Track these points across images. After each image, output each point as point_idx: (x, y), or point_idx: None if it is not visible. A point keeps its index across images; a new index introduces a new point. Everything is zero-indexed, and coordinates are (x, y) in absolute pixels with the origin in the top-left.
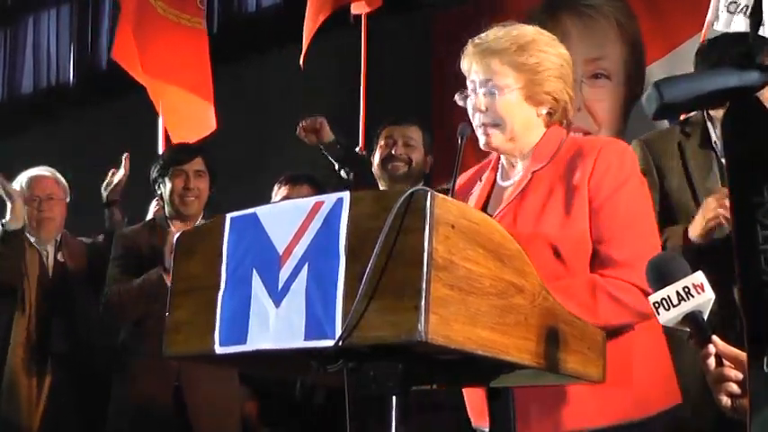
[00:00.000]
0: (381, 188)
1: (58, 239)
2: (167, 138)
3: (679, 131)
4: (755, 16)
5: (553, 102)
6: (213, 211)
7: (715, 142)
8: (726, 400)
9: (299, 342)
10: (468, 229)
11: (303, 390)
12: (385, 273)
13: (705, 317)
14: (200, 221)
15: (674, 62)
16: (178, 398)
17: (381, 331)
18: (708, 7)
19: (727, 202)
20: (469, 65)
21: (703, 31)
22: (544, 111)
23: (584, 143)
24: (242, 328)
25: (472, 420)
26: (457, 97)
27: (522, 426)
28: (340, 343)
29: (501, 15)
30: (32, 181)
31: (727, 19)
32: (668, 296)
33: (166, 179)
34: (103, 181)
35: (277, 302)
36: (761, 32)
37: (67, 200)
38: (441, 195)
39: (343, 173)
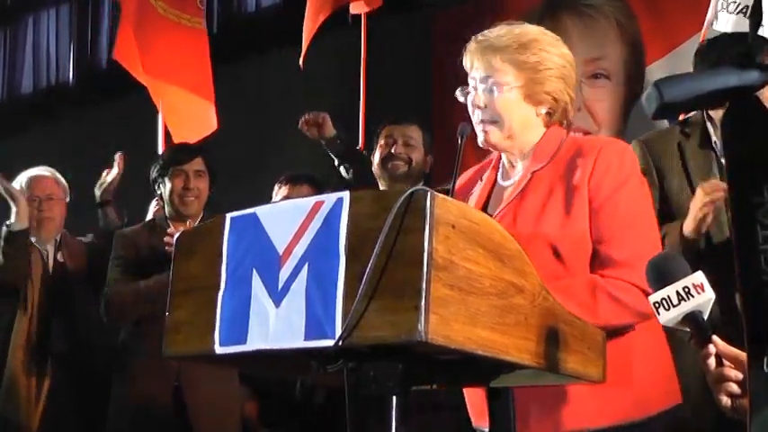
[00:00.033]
0: (381, 187)
1: (58, 239)
2: (167, 138)
3: (679, 132)
4: (755, 16)
5: (553, 102)
6: (213, 211)
7: (715, 142)
8: (726, 400)
9: (298, 342)
10: (469, 229)
11: (303, 390)
12: (385, 273)
13: (705, 317)
14: (199, 221)
15: (673, 62)
16: (178, 398)
17: (381, 331)
18: (708, 7)
19: (715, 192)
20: (471, 61)
21: (703, 30)
22: (543, 110)
23: (584, 143)
24: (242, 328)
25: (472, 420)
26: (458, 93)
27: (522, 426)
28: (340, 343)
29: (501, 15)
30: (32, 181)
31: (725, 18)
32: (668, 296)
33: (166, 179)
34: (109, 179)
35: (277, 302)
36: (760, 32)
37: (67, 200)
38: (441, 195)
39: (342, 169)
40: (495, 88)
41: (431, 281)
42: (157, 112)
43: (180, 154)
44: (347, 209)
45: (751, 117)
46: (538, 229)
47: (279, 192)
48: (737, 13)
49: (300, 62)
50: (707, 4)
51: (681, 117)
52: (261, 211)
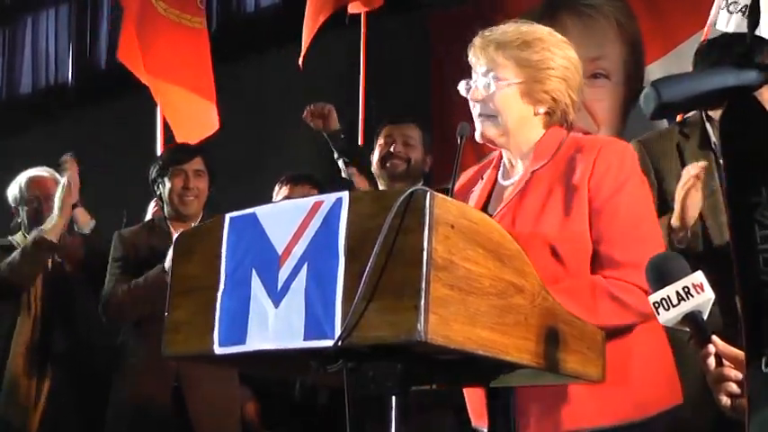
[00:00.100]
0: (380, 187)
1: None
2: (166, 138)
3: (678, 132)
4: (753, 16)
5: (552, 102)
6: (213, 211)
7: (714, 143)
8: (726, 400)
9: (298, 342)
10: (468, 229)
11: (303, 390)
12: (384, 272)
13: (705, 317)
14: (199, 221)
15: (673, 62)
16: (177, 398)
17: (381, 331)
18: (708, 7)
19: (698, 169)
20: (474, 56)
21: (705, 30)
22: (542, 110)
23: (584, 142)
24: (241, 329)
25: (472, 420)
26: (460, 87)
27: (522, 426)
28: (339, 343)
29: (500, 15)
30: (31, 181)
31: (726, 18)
32: (668, 296)
33: (166, 179)
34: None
35: (276, 302)
36: (758, 32)
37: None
38: (440, 195)
39: (341, 163)
40: (494, 83)
41: (430, 281)
42: (156, 113)
43: (179, 154)
44: (346, 209)
45: (749, 117)
46: (537, 229)
47: (279, 192)
48: (737, 12)
49: (300, 62)
50: (706, 3)
51: (679, 117)
52: (260, 211)
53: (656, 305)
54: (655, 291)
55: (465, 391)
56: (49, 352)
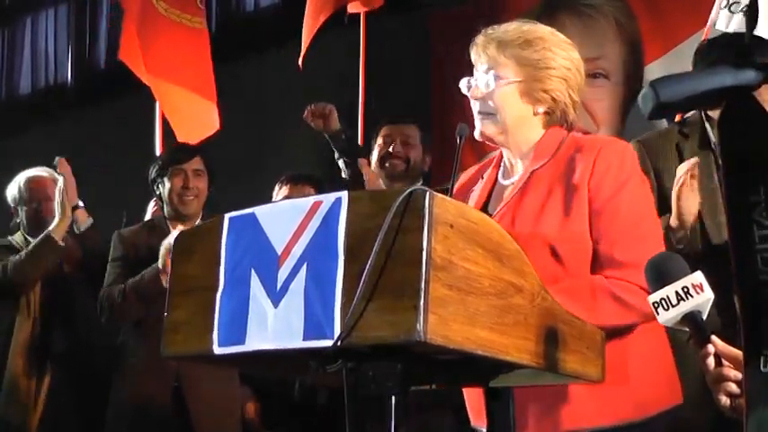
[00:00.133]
0: (378, 188)
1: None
2: (165, 139)
3: (677, 132)
4: (751, 15)
5: (551, 102)
6: (212, 211)
7: (714, 143)
8: (725, 400)
9: (297, 342)
10: (467, 229)
11: (302, 390)
12: (384, 272)
13: (704, 317)
14: (199, 221)
15: (673, 61)
16: (177, 398)
17: (380, 331)
18: (708, 7)
19: (684, 170)
20: (476, 53)
21: (705, 30)
22: (541, 109)
23: (583, 142)
24: (240, 329)
25: (471, 420)
26: (462, 84)
27: (521, 426)
28: (339, 343)
29: (500, 15)
30: (30, 182)
31: (727, 18)
32: (667, 296)
33: (165, 179)
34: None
35: (276, 302)
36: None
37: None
38: (439, 195)
39: (342, 163)
40: (494, 81)
41: (429, 281)
42: (156, 113)
43: (179, 153)
44: (346, 208)
45: (748, 117)
46: (537, 229)
47: (279, 192)
48: (739, 12)
49: (300, 62)
50: (706, 3)
51: (678, 117)
52: (259, 211)
53: (656, 305)
54: (654, 291)
55: (464, 390)
56: (49, 352)
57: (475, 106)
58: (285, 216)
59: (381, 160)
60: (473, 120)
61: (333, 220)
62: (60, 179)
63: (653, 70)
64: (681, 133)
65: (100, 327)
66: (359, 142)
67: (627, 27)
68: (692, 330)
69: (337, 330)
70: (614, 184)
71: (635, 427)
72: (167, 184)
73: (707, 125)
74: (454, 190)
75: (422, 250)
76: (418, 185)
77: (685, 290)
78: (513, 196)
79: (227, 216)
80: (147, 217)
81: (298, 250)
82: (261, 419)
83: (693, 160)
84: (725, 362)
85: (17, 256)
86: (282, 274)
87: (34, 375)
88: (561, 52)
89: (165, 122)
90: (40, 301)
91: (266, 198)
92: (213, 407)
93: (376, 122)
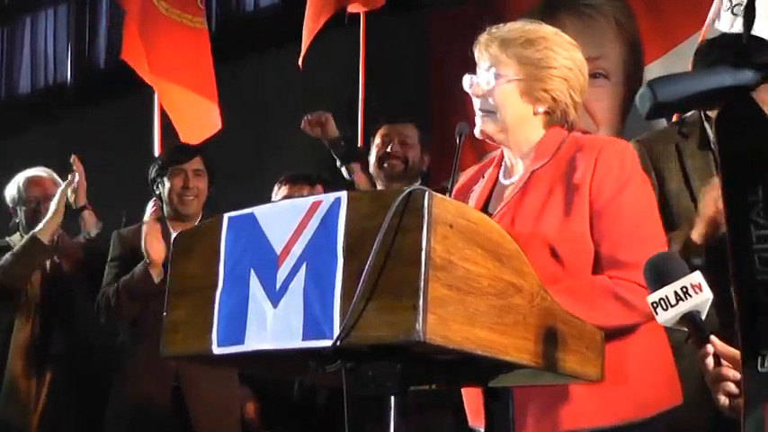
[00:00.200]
0: (378, 187)
1: (55, 240)
2: (163, 139)
3: (677, 132)
4: (749, 15)
5: (552, 101)
6: (212, 211)
7: (714, 143)
8: (724, 400)
9: (296, 342)
10: (467, 229)
11: (302, 390)
12: (383, 272)
13: (703, 317)
14: (198, 221)
15: (672, 61)
16: (177, 398)
17: (379, 331)
18: (708, 7)
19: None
20: (479, 51)
21: (703, 30)
22: (541, 109)
23: (584, 142)
24: (240, 329)
25: (469, 420)
26: (464, 81)
27: (520, 426)
28: (338, 343)
29: (499, 15)
30: (30, 181)
31: (730, 20)
32: (666, 296)
33: (165, 179)
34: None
35: (275, 302)
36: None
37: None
38: (439, 195)
39: (344, 170)
40: (494, 79)
41: (429, 280)
42: (155, 113)
43: (179, 153)
44: (345, 208)
45: (746, 117)
46: (537, 229)
47: (278, 192)
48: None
49: (300, 63)
50: (706, 3)
51: (675, 117)
52: (258, 210)
53: (655, 305)
54: (653, 291)
55: (463, 390)
56: (48, 352)
57: (476, 104)
58: (284, 216)
59: (380, 160)
60: (474, 119)
61: (332, 220)
62: (71, 177)
63: (653, 70)
64: (680, 133)
65: (99, 327)
66: (359, 144)
67: (627, 27)
68: (691, 330)
69: (336, 330)
70: (616, 184)
71: (635, 427)
72: (167, 184)
73: (706, 125)
74: (455, 189)
75: (421, 250)
76: (417, 185)
77: (684, 290)
78: (513, 196)
79: (226, 216)
80: (146, 217)
81: (297, 250)
82: (260, 419)
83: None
84: (724, 362)
85: (3, 258)
86: (282, 273)
87: (34, 376)
88: (563, 52)
89: (165, 122)
90: (38, 301)
91: (266, 198)
92: (212, 407)
93: (376, 122)
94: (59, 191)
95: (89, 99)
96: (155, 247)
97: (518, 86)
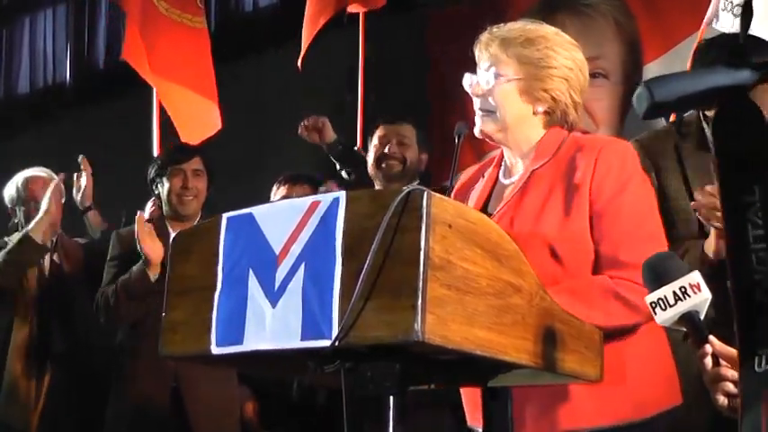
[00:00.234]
0: (377, 188)
1: (54, 240)
2: (162, 139)
3: (675, 132)
4: (746, 15)
5: (551, 101)
6: (211, 212)
7: (712, 143)
8: (723, 400)
9: (295, 342)
10: (466, 229)
11: (301, 390)
12: (382, 272)
13: (702, 317)
14: (198, 222)
15: (671, 61)
16: (176, 399)
17: (378, 331)
18: (706, 6)
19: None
20: (479, 51)
21: (701, 30)
22: (541, 108)
23: (584, 142)
24: (238, 329)
25: (467, 420)
26: (464, 81)
27: (519, 426)
28: (336, 343)
29: (499, 15)
30: (28, 182)
31: (731, 21)
32: (665, 296)
33: (164, 179)
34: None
35: (273, 302)
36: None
37: (63, 200)
38: (437, 195)
39: (344, 173)
40: (494, 78)
41: (427, 280)
42: (154, 113)
43: (178, 154)
44: (344, 208)
45: (742, 116)
46: (536, 229)
47: (277, 192)
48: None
49: (299, 64)
50: (705, 2)
51: (672, 117)
52: (257, 210)
53: (653, 305)
54: (652, 291)
55: (462, 390)
56: (48, 353)
57: (476, 103)
58: (283, 216)
59: (377, 161)
60: (473, 119)
61: (331, 220)
62: (77, 176)
63: (652, 70)
64: (679, 133)
65: (99, 327)
66: (357, 146)
67: (626, 26)
68: (690, 330)
69: (335, 330)
70: (616, 184)
71: (634, 427)
72: (166, 185)
73: (705, 125)
74: (455, 189)
75: (420, 250)
76: (415, 185)
77: (683, 290)
78: (513, 196)
79: (224, 216)
80: (145, 217)
81: (296, 250)
82: (259, 419)
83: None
84: (722, 362)
85: None
86: (280, 273)
87: (34, 376)
88: (564, 52)
89: (163, 122)
90: (37, 301)
91: (266, 198)
92: (212, 407)
93: (375, 122)
94: (49, 189)
95: (88, 99)
96: (150, 246)
97: (518, 86)
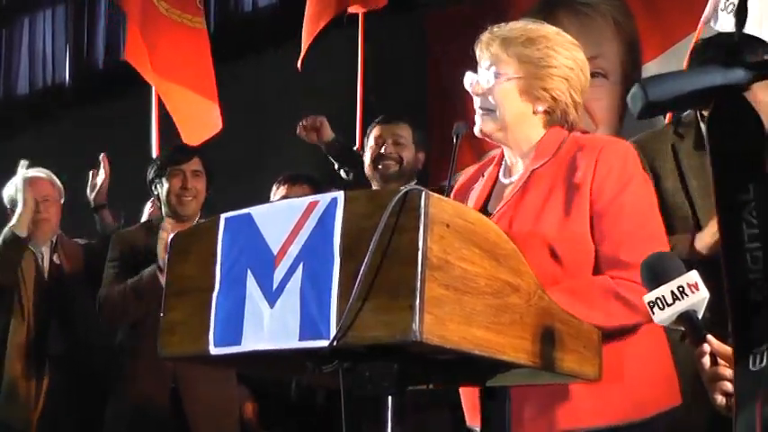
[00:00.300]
0: (374, 188)
1: (54, 241)
2: (161, 140)
3: (672, 132)
4: (740, 14)
5: (551, 101)
6: (211, 212)
7: (707, 142)
8: (721, 399)
9: (293, 342)
10: (464, 229)
11: (299, 390)
12: (380, 272)
13: (700, 316)
14: (197, 222)
15: (670, 60)
16: (175, 399)
17: (376, 331)
18: (705, 5)
19: None
20: (480, 50)
21: (698, 29)
22: (541, 108)
23: (585, 142)
24: (236, 329)
25: (466, 419)
26: (465, 80)
27: (517, 425)
28: (335, 343)
29: (498, 15)
30: (28, 182)
31: (729, 20)
32: (663, 296)
33: (164, 179)
34: (98, 182)
35: (272, 303)
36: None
37: (62, 201)
38: (435, 195)
39: (343, 173)
40: (494, 77)
41: (425, 280)
42: (153, 114)
43: (177, 154)
44: (342, 208)
45: (737, 116)
46: (536, 229)
47: (277, 192)
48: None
49: (299, 65)
50: (704, 2)
51: (669, 117)
52: (255, 211)
53: (651, 305)
54: (650, 290)
55: (461, 390)
56: (48, 353)
57: (476, 102)
58: (281, 216)
59: (374, 162)
60: (473, 118)
61: (329, 220)
62: (92, 174)
63: (651, 69)
64: (676, 133)
65: (98, 327)
66: (356, 147)
67: (624, 26)
68: (688, 330)
69: (333, 330)
70: (617, 184)
71: (634, 427)
72: (165, 185)
73: (702, 125)
74: (454, 189)
75: (418, 250)
76: (413, 185)
77: (681, 289)
78: (513, 195)
79: (223, 216)
80: (144, 217)
81: (294, 250)
82: (258, 419)
83: None
84: (720, 361)
85: None
86: (278, 274)
87: (33, 377)
88: (564, 52)
89: (163, 123)
90: (34, 302)
91: (265, 198)
92: (211, 408)
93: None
94: (21, 181)
95: (87, 100)
96: None
97: (517, 85)
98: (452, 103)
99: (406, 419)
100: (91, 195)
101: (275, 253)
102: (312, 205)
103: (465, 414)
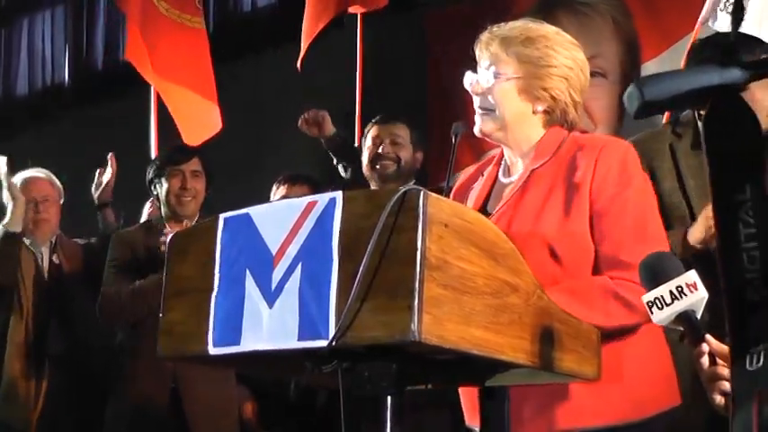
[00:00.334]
0: (372, 188)
1: (53, 241)
2: (160, 140)
3: (671, 132)
4: (737, 13)
5: (551, 100)
6: (210, 212)
7: (704, 142)
8: (719, 399)
9: (292, 342)
10: (462, 228)
11: (299, 390)
12: (378, 272)
13: (698, 316)
14: (196, 223)
15: (669, 60)
16: (175, 399)
17: (375, 331)
18: (704, 5)
19: None
20: (480, 50)
21: (696, 29)
22: (540, 108)
23: (585, 142)
24: (235, 329)
25: (465, 419)
26: (465, 79)
27: (516, 425)
28: (333, 343)
29: (498, 15)
30: (27, 183)
31: (727, 20)
32: (661, 296)
33: (163, 179)
34: (104, 180)
35: (270, 303)
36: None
37: (62, 201)
38: (434, 194)
39: (341, 168)
40: (494, 77)
41: (424, 280)
42: (152, 114)
43: (177, 154)
44: (340, 208)
45: (733, 115)
46: (536, 229)
47: (277, 192)
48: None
49: (298, 65)
50: (702, 2)
51: (667, 117)
52: (254, 211)
53: (650, 305)
54: (648, 290)
55: (460, 390)
56: (47, 353)
57: (476, 102)
58: (280, 216)
59: (372, 162)
60: (472, 118)
61: (327, 220)
62: (98, 172)
63: (650, 69)
64: (674, 133)
65: (98, 327)
66: (355, 143)
67: (623, 25)
68: (687, 330)
69: (332, 330)
70: (617, 184)
71: (633, 427)
72: (165, 185)
73: (700, 125)
74: (454, 189)
75: (416, 250)
76: (411, 185)
77: (679, 289)
78: (513, 195)
79: (221, 216)
80: (144, 218)
81: (292, 250)
82: (258, 420)
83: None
84: (719, 360)
85: None
86: (277, 274)
87: (32, 377)
88: (564, 51)
89: (162, 123)
90: (33, 302)
91: (264, 198)
92: (210, 408)
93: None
94: (4, 179)
95: (87, 100)
96: None
97: (517, 84)
98: (452, 103)
99: (405, 419)
100: (96, 193)
101: (274, 253)
102: (311, 205)
103: (464, 414)
